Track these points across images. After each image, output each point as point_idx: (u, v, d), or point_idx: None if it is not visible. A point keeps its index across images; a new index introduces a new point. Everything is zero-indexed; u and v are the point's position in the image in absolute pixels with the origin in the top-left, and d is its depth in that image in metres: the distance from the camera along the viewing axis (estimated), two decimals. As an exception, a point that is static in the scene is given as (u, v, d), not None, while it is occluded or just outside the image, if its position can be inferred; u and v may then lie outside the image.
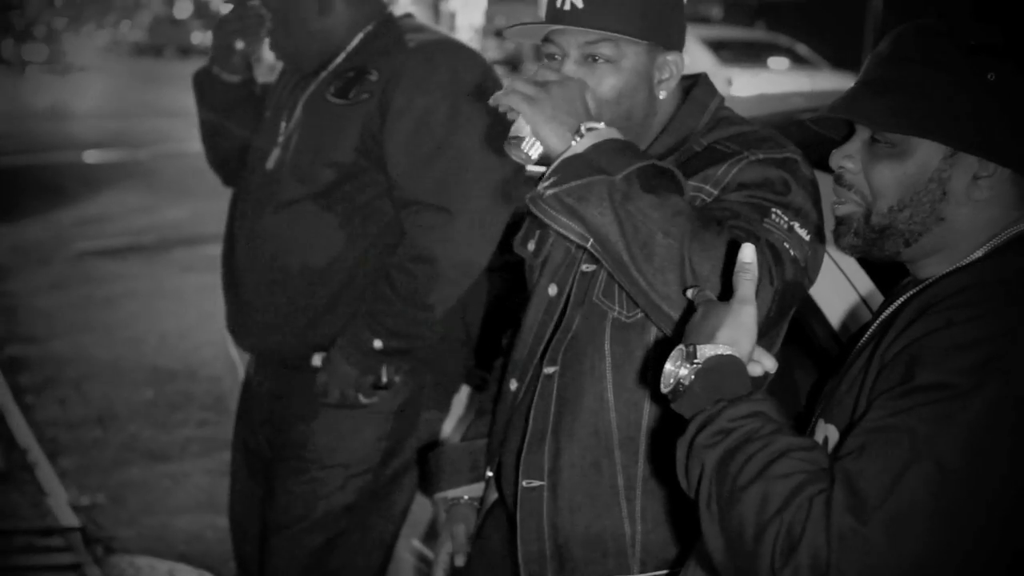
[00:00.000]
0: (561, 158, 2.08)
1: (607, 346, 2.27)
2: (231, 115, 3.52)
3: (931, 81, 1.81)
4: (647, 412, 2.26)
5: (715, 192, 2.18)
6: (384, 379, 3.20)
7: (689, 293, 1.91)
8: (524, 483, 2.33)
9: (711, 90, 2.38)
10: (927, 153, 1.82)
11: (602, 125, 2.11)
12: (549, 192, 2.07)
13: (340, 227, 3.21)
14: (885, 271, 2.22)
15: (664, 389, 1.79)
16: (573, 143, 2.08)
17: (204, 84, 3.53)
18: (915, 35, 1.85)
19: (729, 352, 1.76)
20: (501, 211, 3.16)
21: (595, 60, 2.25)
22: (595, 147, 2.06)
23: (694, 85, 2.38)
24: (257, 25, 3.36)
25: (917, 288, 1.87)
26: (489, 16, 47.79)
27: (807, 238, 2.14)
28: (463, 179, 3.13)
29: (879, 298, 2.39)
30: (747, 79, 19.19)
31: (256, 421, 3.45)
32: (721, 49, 20.90)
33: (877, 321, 1.92)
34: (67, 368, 7.56)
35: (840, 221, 1.91)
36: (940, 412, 1.63)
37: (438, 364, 3.27)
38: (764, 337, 2.03)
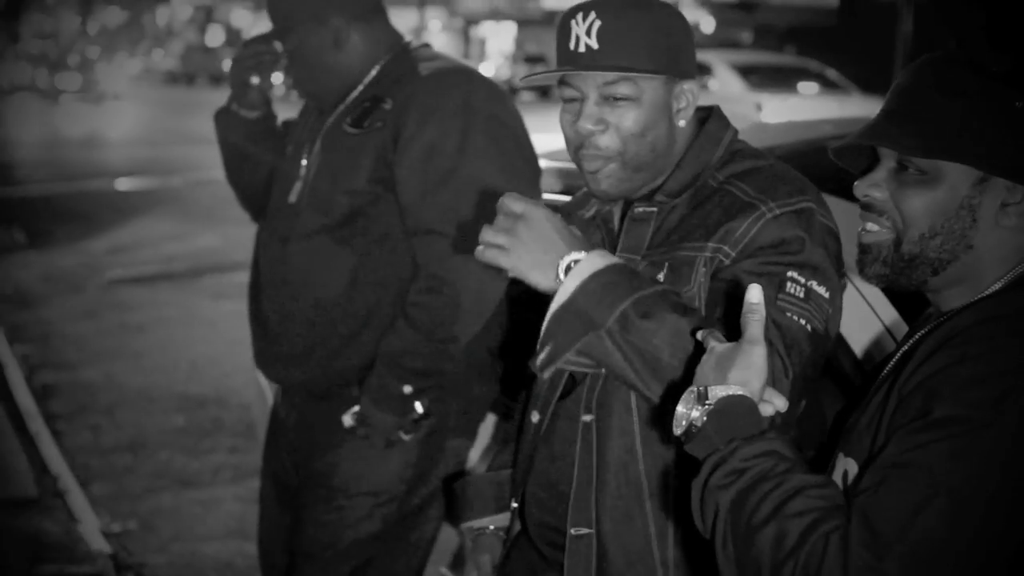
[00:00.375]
0: (549, 316, 2.12)
1: (633, 400, 2.28)
2: (253, 151, 3.55)
3: (957, 108, 1.81)
4: (675, 462, 2.26)
5: (733, 254, 2.19)
6: (420, 410, 3.21)
7: (699, 335, 1.92)
8: (573, 531, 2.33)
9: (724, 123, 2.39)
10: (957, 179, 1.82)
11: (582, 255, 2.11)
12: (548, 367, 2.14)
13: (358, 258, 3.23)
14: (909, 300, 2.22)
15: (677, 431, 1.80)
16: (560, 281, 2.11)
17: (224, 122, 3.56)
18: (937, 66, 1.86)
19: (740, 392, 1.77)
20: None
21: (615, 100, 2.27)
22: (582, 289, 2.09)
23: (708, 117, 2.39)
24: (272, 61, 3.38)
25: (937, 321, 1.87)
26: (519, 42, 47.93)
27: (826, 294, 2.16)
28: (472, 207, 3.13)
29: (903, 328, 2.39)
30: (777, 104, 19.20)
31: (283, 449, 3.46)
32: (751, 74, 20.94)
33: (898, 354, 1.92)
34: (99, 395, 7.61)
35: (866, 250, 1.91)
36: (957, 447, 1.63)
37: (464, 392, 3.28)
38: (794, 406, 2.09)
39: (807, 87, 20.87)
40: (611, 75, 2.25)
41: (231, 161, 3.60)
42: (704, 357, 1.85)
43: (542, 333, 2.15)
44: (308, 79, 3.34)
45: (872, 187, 1.89)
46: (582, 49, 2.26)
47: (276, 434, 3.52)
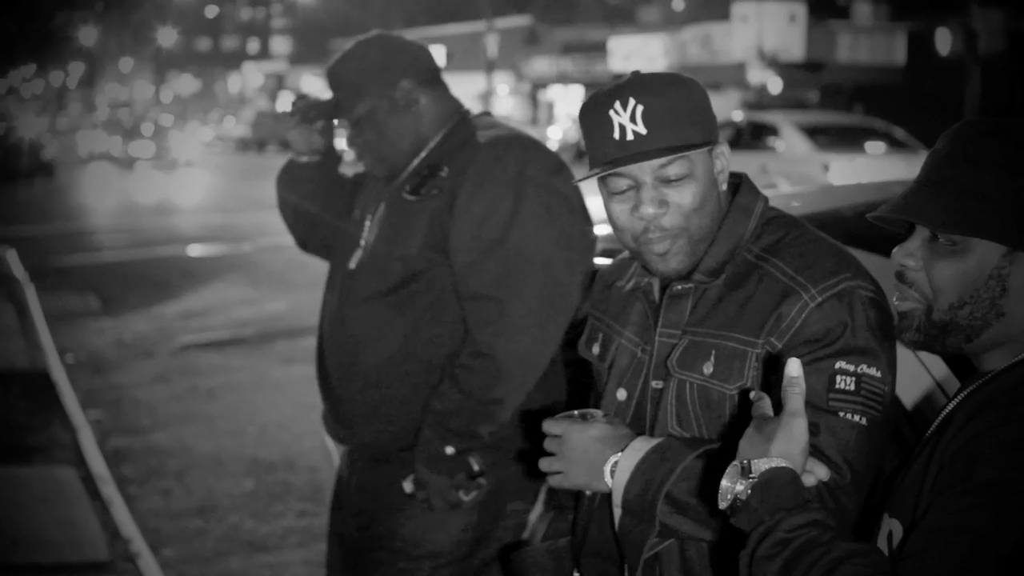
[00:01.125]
0: (617, 524, 2.32)
1: None
2: (314, 198, 3.61)
3: (987, 180, 1.83)
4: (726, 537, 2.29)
5: (779, 345, 2.22)
6: (476, 468, 3.24)
7: (752, 395, 1.96)
8: None
9: (755, 193, 2.40)
10: (986, 251, 1.85)
11: (619, 455, 2.27)
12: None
13: (411, 323, 3.28)
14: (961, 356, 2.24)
15: (722, 505, 1.84)
16: (609, 483, 2.28)
17: (287, 173, 3.63)
18: (971, 135, 1.88)
19: (783, 464, 1.80)
20: (562, 307, 3.19)
21: (669, 181, 2.28)
22: (627, 493, 2.24)
23: (738, 187, 2.40)
24: (320, 109, 3.44)
25: (977, 383, 1.89)
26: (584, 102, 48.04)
27: (878, 374, 2.19)
28: (521, 274, 3.17)
29: (954, 383, 2.40)
30: (843, 164, 19.13)
31: (347, 512, 3.50)
32: (817, 134, 20.88)
33: (941, 415, 1.93)
34: (169, 460, 7.69)
35: (903, 316, 1.95)
36: (1000, 510, 1.63)
37: (523, 455, 3.31)
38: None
39: (874, 147, 20.78)
40: (667, 159, 2.26)
41: (288, 210, 3.66)
42: (747, 431, 1.88)
43: (618, 533, 2.33)
44: (377, 145, 3.37)
45: (907, 256, 1.92)
46: (630, 137, 2.25)
47: (340, 497, 3.57)
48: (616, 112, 2.26)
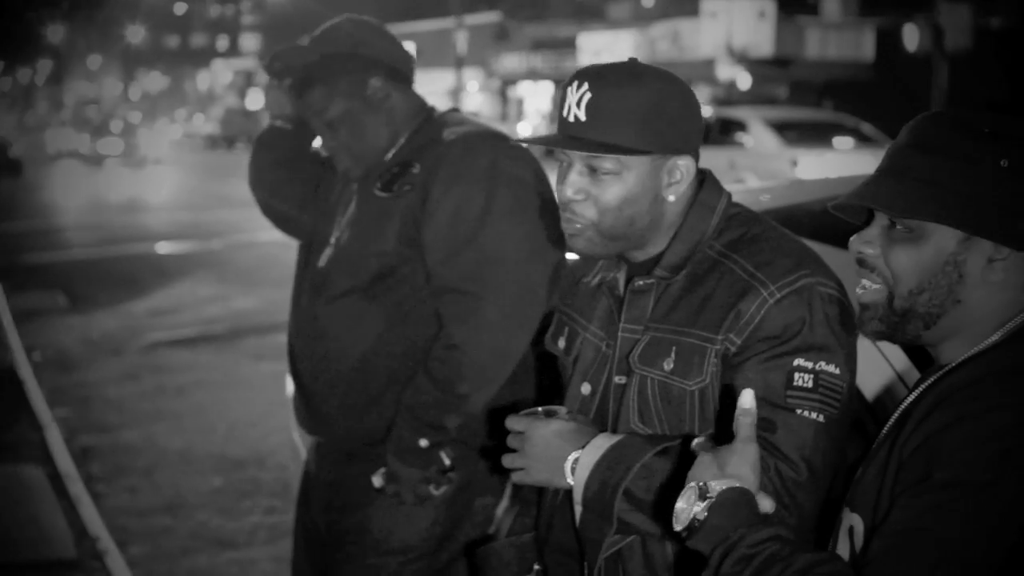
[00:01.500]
0: (579, 520, 2.33)
1: None
2: (282, 165, 3.61)
3: (946, 168, 1.84)
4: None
5: (739, 342, 2.23)
6: (447, 462, 3.24)
7: (693, 445, 1.98)
8: None
9: (718, 190, 2.40)
10: (943, 237, 1.86)
11: (580, 452, 2.27)
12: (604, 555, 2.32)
13: (385, 318, 3.27)
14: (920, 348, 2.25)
15: (678, 527, 1.85)
16: (570, 480, 2.28)
17: (266, 134, 3.65)
18: (931, 125, 1.89)
19: (739, 485, 1.82)
20: (534, 301, 3.19)
21: (596, 172, 2.29)
22: (587, 490, 2.25)
23: (702, 184, 2.40)
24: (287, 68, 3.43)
25: (935, 376, 1.90)
26: (556, 102, 48.13)
27: (836, 371, 2.20)
28: (494, 269, 3.17)
29: (915, 375, 2.41)
30: (812, 159, 19.19)
31: (315, 508, 3.50)
32: (786, 130, 20.94)
33: (900, 408, 1.94)
34: (137, 457, 7.66)
35: (864, 308, 1.95)
36: (960, 510, 1.65)
37: (487, 452, 3.31)
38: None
39: (842, 142, 20.84)
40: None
41: (253, 171, 3.67)
42: (698, 458, 1.90)
43: (579, 530, 2.34)
44: (354, 145, 3.35)
45: (864, 244, 1.93)
46: (571, 119, 2.28)
47: (308, 493, 3.56)
48: (571, 91, 2.30)
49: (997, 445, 1.67)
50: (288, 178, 3.62)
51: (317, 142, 3.63)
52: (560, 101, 2.33)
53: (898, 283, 1.89)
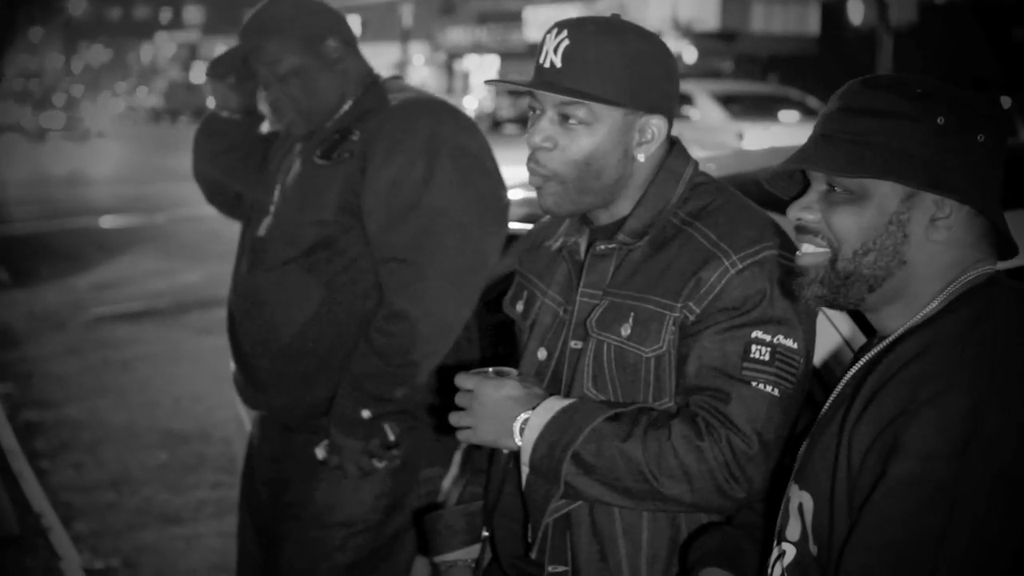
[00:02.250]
0: (524, 480, 2.29)
1: None
2: (227, 154, 3.59)
3: (884, 128, 1.84)
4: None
5: (698, 311, 2.22)
6: (391, 437, 3.23)
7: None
8: (550, 568, 2.36)
9: (684, 157, 2.39)
10: (884, 196, 1.85)
11: (529, 413, 2.26)
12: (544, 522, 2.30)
13: (326, 287, 3.25)
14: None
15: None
16: (518, 441, 2.26)
17: (207, 125, 3.61)
18: (863, 89, 1.89)
19: None
20: (477, 270, 3.18)
21: (568, 120, 2.28)
22: (534, 451, 2.24)
23: (669, 152, 2.39)
24: (247, 67, 3.40)
25: (879, 348, 1.89)
26: (502, 75, 48.05)
27: (794, 344, 2.20)
28: (437, 237, 3.15)
29: (861, 339, 2.42)
30: (758, 132, 19.30)
31: (259, 482, 3.48)
32: (732, 103, 21.06)
33: (844, 379, 1.93)
34: (82, 432, 7.60)
35: (803, 272, 1.93)
36: (932, 503, 1.65)
37: (434, 411, 3.29)
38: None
39: (788, 115, 20.97)
40: (568, 98, 2.26)
41: (201, 162, 3.64)
42: None
43: (525, 493, 2.31)
44: (303, 101, 3.30)
45: (804, 210, 1.91)
46: (547, 65, 2.27)
47: (252, 466, 3.54)
48: (550, 37, 2.29)
49: (955, 434, 1.67)
50: (242, 160, 3.59)
51: (265, 127, 3.61)
52: (538, 49, 2.31)
53: (842, 244, 1.87)
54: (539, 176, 2.32)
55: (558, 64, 2.26)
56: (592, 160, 2.29)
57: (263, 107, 3.53)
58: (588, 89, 2.25)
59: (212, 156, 3.61)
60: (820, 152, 1.87)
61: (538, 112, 2.32)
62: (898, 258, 1.86)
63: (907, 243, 1.85)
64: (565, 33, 2.26)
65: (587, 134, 2.28)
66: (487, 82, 2.44)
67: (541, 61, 2.29)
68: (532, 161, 2.32)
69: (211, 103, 3.64)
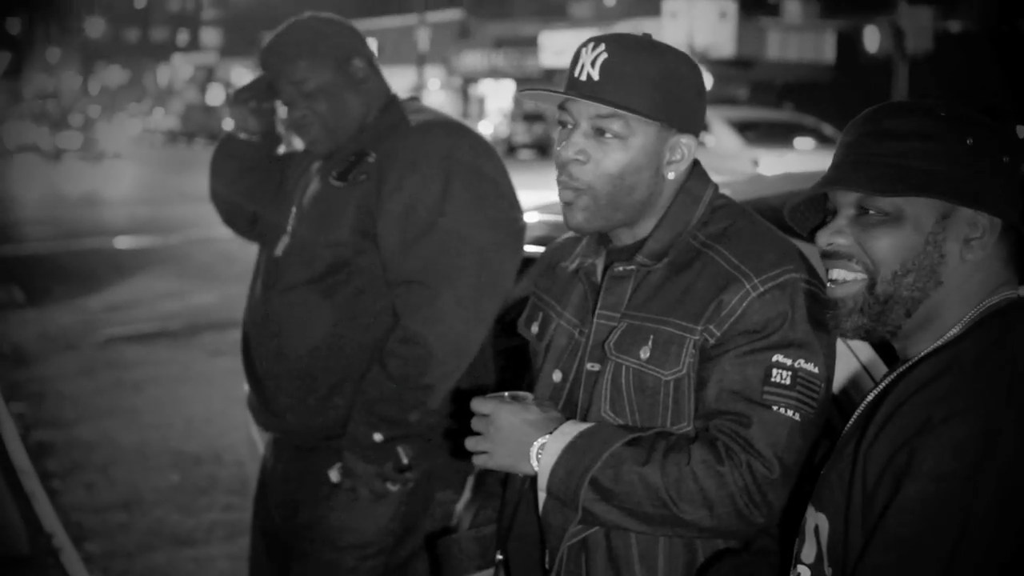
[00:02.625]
0: (542, 507, 2.31)
1: None
2: (245, 176, 3.59)
3: (915, 149, 1.84)
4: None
5: (718, 334, 2.21)
6: (404, 460, 3.21)
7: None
8: None
9: (704, 180, 2.38)
10: (920, 216, 1.84)
11: (547, 438, 2.24)
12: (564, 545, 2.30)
13: (340, 309, 3.24)
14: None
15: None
16: (535, 466, 2.24)
17: (224, 146, 3.62)
18: (888, 115, 1.88)
19: None
20: (493, 293, 3.17)
21: (603, 134, 2.27)
22: (552, 476, 2.22)
23: (690, 174, 2.38)
24: (269, 91, 3.43)
25: (899, 370, 1.88)
26: (517, 100, 48.14)
27: (815, 370, 2.19)
28: (452, 259, 3.14)
29: (881, 367, 2.40)
30: (773, 159, 19.29)
31: (272, 504, 3.47)
32: (747, 130, 21.04)
33: (864, 404, 1.92)
34: (94, 453, 7.59)
35: (838, 304, 1.91)
36: (944, 523, 1.64)
37: (450, 435, 3.28)
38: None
39: (803, 142, 20.96)
40: (604, 108, 2.25)
41: (218, 183, 3.63)
42: None
43: (542, 518, 2.31)
44: (329, 118, 3.31)
45: (835, 235, 1.90)
46: (583, 78, 2.26)
47: (265, 488, 3.53)
48: (586, 51, 2.28)
49: (970, 455, 1.66)
50: (259, 182, 3.59)
51: (282, 149, 3.62)
52: (572, 62, 2.30)
53: (880, 267, 1.86)
54: (571, 190, 2.31)
55: (595, 77, 2.25)
56: (626, 175, 2.28)
57: (283, 128, 3.54)
58: (627, 103, 2.24)
59: (229, 177, 3.61)
60: (852, 175, 1.86)
61: (570, 126, 2.31)
62: (935, 279, 1.85)
63: (943, 264, 1.85)
64: (603, 47, 2.26)
65: (621, 148, 2.27)
66: (522, 90, 2.42)
67: (577, 74, 2.28)
68: (564, 175, 2.31)
69: (228, 125, 3.65)
